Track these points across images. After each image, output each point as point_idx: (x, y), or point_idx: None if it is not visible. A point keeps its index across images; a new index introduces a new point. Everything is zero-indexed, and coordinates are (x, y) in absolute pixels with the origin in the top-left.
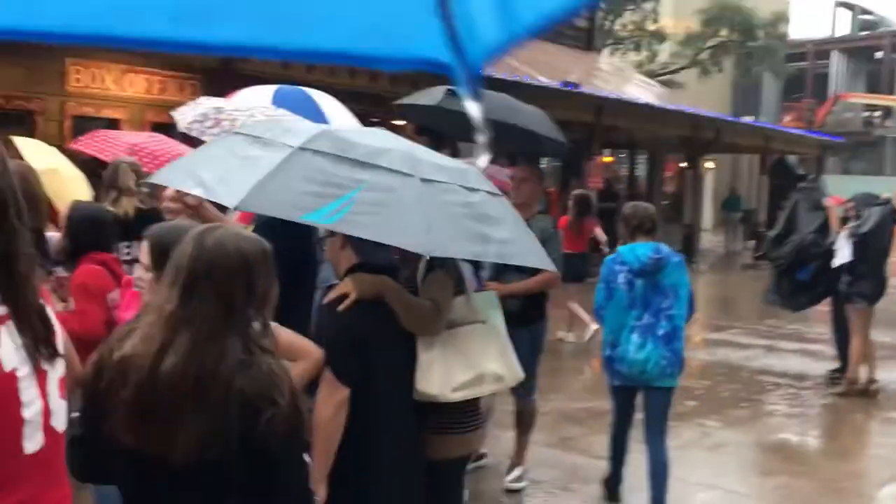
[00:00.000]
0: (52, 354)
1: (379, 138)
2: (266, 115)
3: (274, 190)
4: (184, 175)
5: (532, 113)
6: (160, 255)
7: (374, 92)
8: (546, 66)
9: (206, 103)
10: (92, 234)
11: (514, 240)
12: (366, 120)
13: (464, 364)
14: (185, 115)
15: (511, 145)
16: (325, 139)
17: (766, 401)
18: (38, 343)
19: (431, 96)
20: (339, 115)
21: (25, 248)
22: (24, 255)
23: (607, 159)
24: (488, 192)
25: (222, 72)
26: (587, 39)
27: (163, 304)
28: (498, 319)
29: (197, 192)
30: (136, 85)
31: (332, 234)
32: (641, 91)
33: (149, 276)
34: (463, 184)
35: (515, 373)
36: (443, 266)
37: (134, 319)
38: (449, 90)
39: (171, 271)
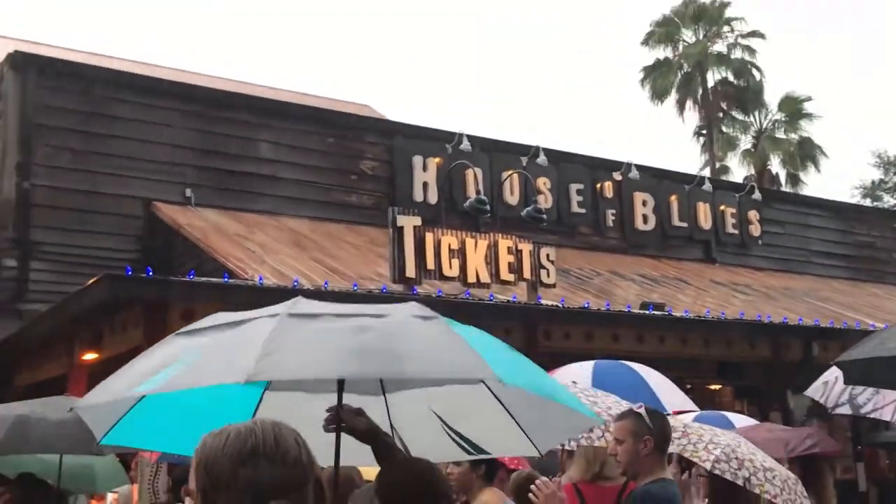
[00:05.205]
0: None
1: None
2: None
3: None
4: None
5: None
6: None
7: (682, 355)
8: (874, 309)
9: None
10: None
11: (427, 354)
12: (681, 385)
13: None
14: None
15: None
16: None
17: None
18: None
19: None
20: (665, 387)
21: None
22: None
23: None
24: (418, 317)
25: (526, 351)
26: None
27: None
28: None
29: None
30: None
31: None
32: None
33: None
34: (374, 313)
35: None
36: None
37: None
38: None
39: None
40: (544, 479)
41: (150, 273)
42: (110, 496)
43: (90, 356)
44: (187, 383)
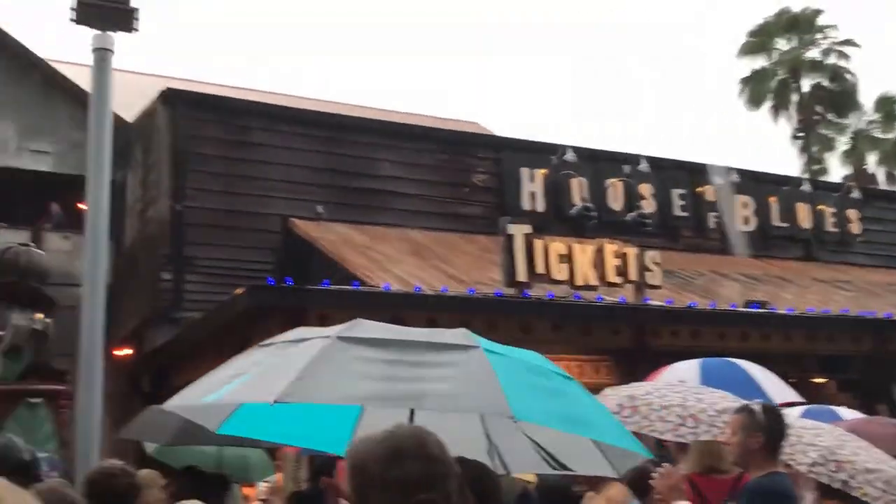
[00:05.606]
0: None
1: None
2: (680, 394)
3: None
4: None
5: None
6: None
7: (786, 351)
8: None
9: (614, 394)
10: None
11: (455, 389)
12: (785, 379)
13: None
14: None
15: None
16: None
17: None
18: None
19: None
20: (771, 382)
21: None
22: None
23: None
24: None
25: (634, 351)
26: None
27: None
28: None
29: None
30: None
31: None
32: None
33: None
34: (414, 340)
35: None
36: None
37: None
38: None
39: None
40: (667, 465)
41: (290, 283)
42: (262, 485)
43: None
44: (236, 399)
